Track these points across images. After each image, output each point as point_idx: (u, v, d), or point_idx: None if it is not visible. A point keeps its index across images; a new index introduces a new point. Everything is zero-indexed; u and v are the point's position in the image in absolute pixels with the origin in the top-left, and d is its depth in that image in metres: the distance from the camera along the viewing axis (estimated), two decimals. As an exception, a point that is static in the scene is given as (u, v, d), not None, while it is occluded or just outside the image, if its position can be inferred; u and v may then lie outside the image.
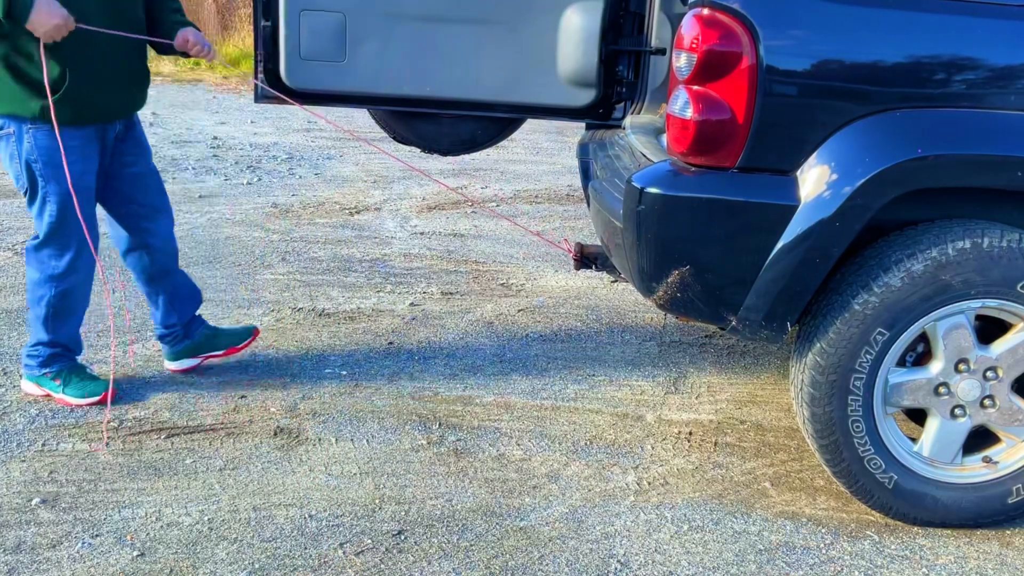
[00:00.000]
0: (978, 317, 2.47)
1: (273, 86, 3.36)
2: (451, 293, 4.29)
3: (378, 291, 4.27)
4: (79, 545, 2.36)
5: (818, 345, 2.46)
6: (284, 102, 3.36)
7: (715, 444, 3.02)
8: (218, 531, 2.45)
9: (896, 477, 2.53)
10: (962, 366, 2.47)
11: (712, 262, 2.42)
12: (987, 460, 2.56)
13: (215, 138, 7.83)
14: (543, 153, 7.86)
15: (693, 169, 2.39)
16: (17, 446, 2.81)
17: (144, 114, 8.82)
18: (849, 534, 2.57)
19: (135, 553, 2.34)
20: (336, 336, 3.73)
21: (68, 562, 2.30)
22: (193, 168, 6.69)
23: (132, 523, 2.46)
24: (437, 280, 4.46)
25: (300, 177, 6.55)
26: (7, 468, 2.69)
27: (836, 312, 2.43)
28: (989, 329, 2.50)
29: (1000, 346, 2.47)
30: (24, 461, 2.73)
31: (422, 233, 5.25)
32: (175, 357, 3.33)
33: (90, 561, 2.31)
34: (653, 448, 2.98)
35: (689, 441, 3.03)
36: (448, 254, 4.88)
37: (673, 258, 2.43)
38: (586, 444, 2.98)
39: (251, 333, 3.46)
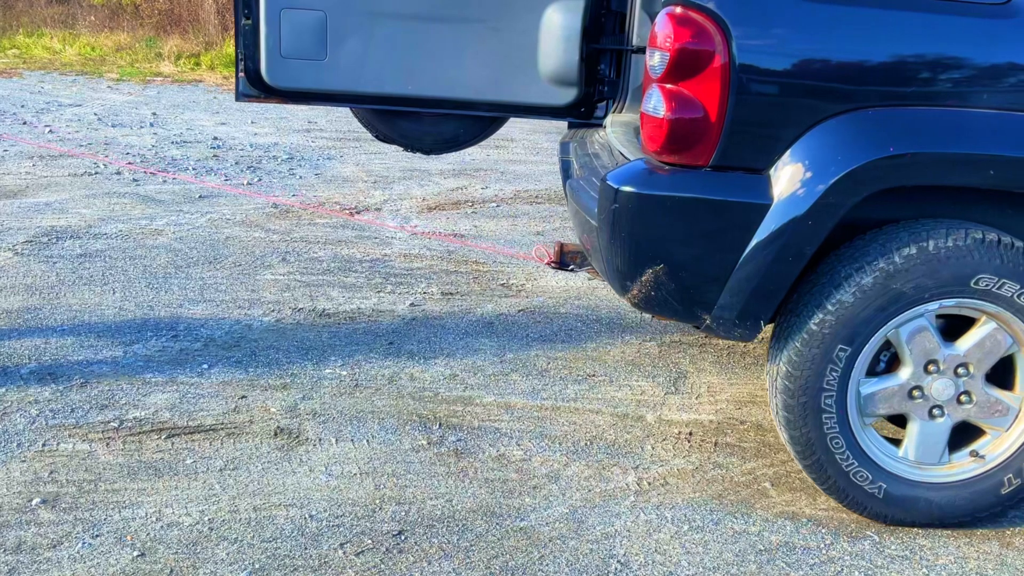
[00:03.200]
0: (943, 315, 2.46)
1: (254, 84, 3.36)
2: (451, 293, 4.29)
3: (378, 291, 4.27)
4: (79, 545, 2.37)
5: (784, 369, 2.48)
6: (265, 100, 3.37)
7: (715, 444, 3.02)
8: (218, 531, 2.45)
9: (885, 486, 2.53)
10: (931, 367, 2.46)
11: (686, 261, 2.42)
12: (975, 454, 2.56)
13: (215, 138, 7.83)
14: (543, 153, 7.86)
15: (667, 168, 2.40)
16: (17, 446, 2.81)
17: (144, 114, 8.85)
18: (849, 534, 2.57)
19: (135, 553, 2.34)
20: (336, 336, 3.73)
21: (68, 562, 2.30)
22: (193, 168, 6.69)
23: (132, 523, 2.46)
24: (437, 280, 4.46)
25: (300, 177, 6.55)
26: (7, 468, 2.69)
27: (795, 334, 2.44)
28: (957, 324, 2.49)
29: (966, 342, 2.46)
30: (24, 461, 2.73)
31: (422, 233, 5.25)
32: None
33: (90, 561, 2.31)
34: (653, 448, 2.98)
35: (689, 441, 3.03)
36: (448, 254, 4.88)
37: (647, 257, 2.43)
38: (586, 444, 2.98)
39: None
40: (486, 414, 3.15)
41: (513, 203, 6.06)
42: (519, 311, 4.10)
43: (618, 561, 2.40)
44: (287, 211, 5.60)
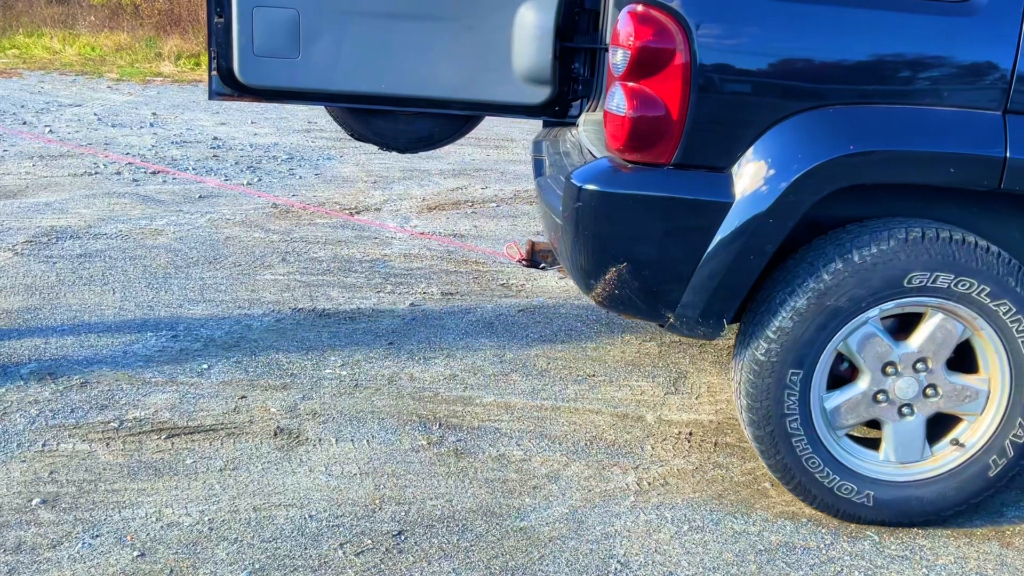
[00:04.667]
0: (892, 315, 2.46)
1: (227, 83, 3.36)
2: (451, 293, 4.29)
3: (378, 291, 4.27)
4: (79, 545, 2.36)
5: (745, 402, 2.50)
6: (238, 99, 3.38)
7: (715, 444, 3.02)
8: (218, 531, 2.45)
9: (873, 493, 2.53)
10: (889, 369, 2.47)
11: (649, 259, 2.43)
12: (955, 443, 2.55)
13: (215, 138, 7.83)
14: (543, 153, 7.85)
15: (630, 166, 2.40)
16: (17, 446, 2.81)
17: (144, 114, 8.85)
18: (849, 534, 2.57)
19: (135, 553, 2.34)
20: (336, 336, 3.73)
21: (68, 562, 2.30)
22: (193, 168, 6.69)
23: (132, 523, 2.46)
24: (437, 280, 4.46)
25: (300, 177, 6.55)
26: (7, 468, 2.69)
27: (747, 366, 2.46)
28: (911, 317, 2.48)
29: (917, 338, 2.46)
30: (24, 461, 2.73)
31: (422, 233, 5.25)
32: None
33: (90, 561, 2.31)
34: (653, 448, 2.98)
35: (689, 441, 3.03)
36: (448, 254, 4.88)
37: (610, 255, 2.43)
38: (586, 444, 2.98)
39: None
40: (486, 414, 3.15)
41: (513, 203, 6.06)
42: (519, 311, 4.10)
43: (618, 561, 2.40)
44: (287, 211, 5.60)
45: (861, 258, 2.34)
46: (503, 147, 7.91)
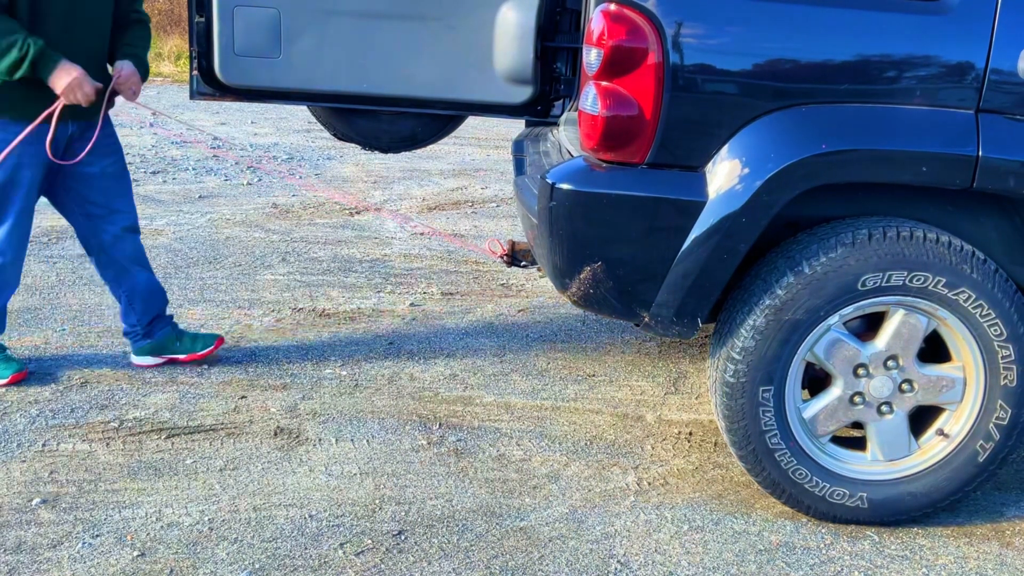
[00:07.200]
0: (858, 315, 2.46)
1: (209, 82, 3.36)
2: (451, 293, 4.29)
3: (378, 291, 4.27)
4: (79, 545, 2.37)
5: (723, 424, 2.50)
6: (219, 99, 3.38)
7: (715, 444, 3.02)
8: (218, 531, 2.45)
9: (866, 494, 2.53)
10: (861, 370, 2.46)
11: (623, 258, 2.42)
12: (941, 433, 2.54)
13: (215, 138, 7.83)
14: (543, 153, 7.85)
15: (604, 165, 2.40)
16: (17, 446, 2.81)
17: (144, 114, 8.84)
18: (849, 534, 2.57)
19: (135, 553, 2.34)
20: (336, 336, 3.73)
21: (68, 562, 2.30)
22: (193, 168, 6.69)
23: (132, 523, 2.46)
24: (437, 280, 4.46)
25: (300, 177, 6.55)
26: (7, 468, 2.69)
27: (719, 389, 2.47)
28: (875, 316, 2.48)
29: (883, 337, 2.46)
30: (24, 461, 2.73)
31: (422, 233, 5.26)
32: (137, 353, 3.37)
33: (90, 561, 2.31)
34: (653, 448, 2.98)
35: (689, 441, 3.03)
36: (448, 254, 4.88)
37: (585, 254, 2.43)
38: (586, 444, 2.98)
39: (214, 341, 3.41)
40: (486, 414, 3.15)
41: (513, 203, 6.06)
42: (519, 311, 4.10)
43: (618, 561, 2.41)
44: (287, 211, 5.61)
45: (811, 268, 2.34)
46: (503, 147, 7.91)
